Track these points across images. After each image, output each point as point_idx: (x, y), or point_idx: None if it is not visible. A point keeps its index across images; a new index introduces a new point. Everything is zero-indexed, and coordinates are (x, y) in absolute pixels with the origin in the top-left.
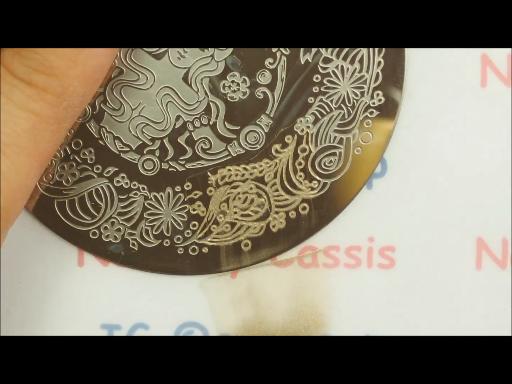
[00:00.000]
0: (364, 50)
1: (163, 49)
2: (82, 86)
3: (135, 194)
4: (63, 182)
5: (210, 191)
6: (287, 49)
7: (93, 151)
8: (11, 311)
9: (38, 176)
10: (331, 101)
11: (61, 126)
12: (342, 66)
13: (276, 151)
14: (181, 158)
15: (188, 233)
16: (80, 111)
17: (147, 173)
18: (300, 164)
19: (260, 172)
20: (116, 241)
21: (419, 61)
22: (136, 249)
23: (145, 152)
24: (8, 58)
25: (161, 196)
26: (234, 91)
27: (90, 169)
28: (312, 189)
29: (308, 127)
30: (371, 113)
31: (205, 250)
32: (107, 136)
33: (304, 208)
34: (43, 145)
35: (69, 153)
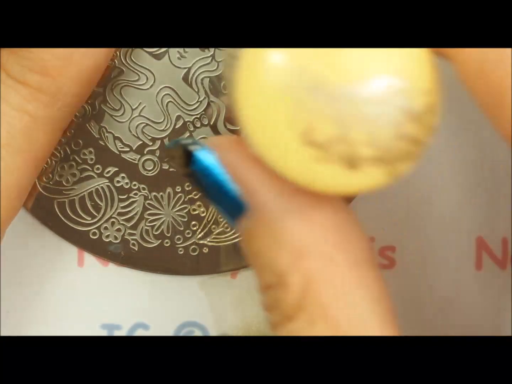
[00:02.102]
0: None
1: (163, 49)
2: (76, 86)
3: (135, 194)
4: (63, 182)
5: None
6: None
7: (93, 151)
8: (11, 311)
9: (34, 176)
10: None
11: (55, 127)
12: None
13: None
14: None
15: (188, 233)
16: (75, 111)
17: (147, 173)
18: None
19: None
20: (116, 241)
21: None
22: (136, 249)
23: (145, 152)
24: (3, 58)
25: (162, 196)
26: None
27: (90, 169)
28: None
29: None
30: None
31: (205, 250)
32: (107, 136)
33: None
34: (37, 146)
35: (69, 153)
